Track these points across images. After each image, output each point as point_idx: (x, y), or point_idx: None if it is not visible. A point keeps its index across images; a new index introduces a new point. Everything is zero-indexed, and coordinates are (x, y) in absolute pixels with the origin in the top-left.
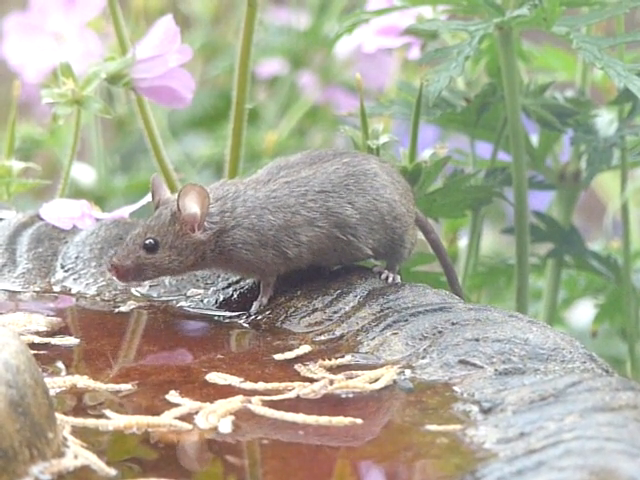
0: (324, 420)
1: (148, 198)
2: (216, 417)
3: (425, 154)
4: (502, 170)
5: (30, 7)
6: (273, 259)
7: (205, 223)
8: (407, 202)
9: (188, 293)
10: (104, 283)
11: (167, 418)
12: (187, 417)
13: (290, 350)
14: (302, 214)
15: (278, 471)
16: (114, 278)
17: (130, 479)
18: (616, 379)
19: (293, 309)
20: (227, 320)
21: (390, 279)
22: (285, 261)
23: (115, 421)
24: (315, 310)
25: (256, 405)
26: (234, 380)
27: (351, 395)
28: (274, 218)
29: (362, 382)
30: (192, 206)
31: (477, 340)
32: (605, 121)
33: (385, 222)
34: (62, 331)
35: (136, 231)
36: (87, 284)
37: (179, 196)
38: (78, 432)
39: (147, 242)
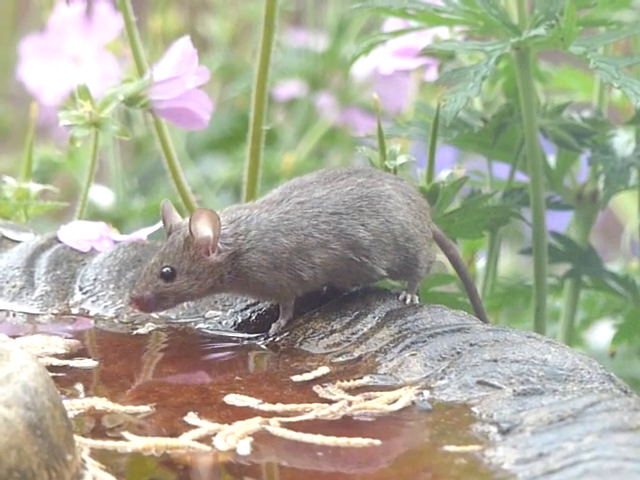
0: (342, 441)
1: None
2: (235, 439)
3: (442, 175)
4: (520, 190)
5: (48, 30)
6: (288, 282)
7: (219, 245)
8: (421, 222)
9: (206, 315)
10: (122, 305)
11: (186, 440)
12: (206, 439)
13: (308, 372)
14: (315, 236)
15: None
16: (136, 311)
17: None
18: (635, 399)
19: (311, 330)
20: (245, 342)
21: (408, 300)
22: (301, 284)
23: (134, 443)
24: (333, 331)
25: (274, 427)
26: (252, 402)
27: (369, 416)
28: (287, 241)
29: (381, 403)
30: (204, 229)
31: (495, 361)
32: (623, 141)
33: (398, 243)
34: (80, 353)
35: (152, 261)
36: (105, 306)
37: (191, 221)
38: (97, 454)
39: (164, 270)
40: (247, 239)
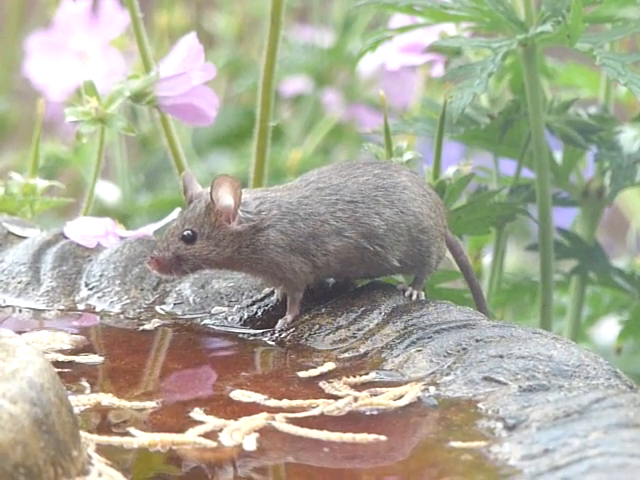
0: (348, 437)
1: (172, 216)
2: (240, 434)
3: (449, 171)
4: (526, 187)
5: (54, 26)
6: (301, 266)
7: (242, 214)
8: (436, 215)
9: (212, 311)
10: (128, 301)
11: (191, 436)
12: (211, 434)
13: (314, 367)
14: (331, 224)
15: None
16: (155, 272)
17: None
18: None
19: (317, 326)
20: (251, 338)
21: (414, 296)
22: (314, 269)
23: (139, 439)
24: (339, 327)
25: (280, 422)
26: (258, 397)
27: (375, 412)
28: (304, 225)
29: (386, 399)
30: (226, 197)
31: (501, 357)
32: (629, 137)
33: (412, 234)
34: (86, 349)
35: (173, 224)
36: (111, 302)
37: (212, 187)
38: (103, 450)
39: (185, 233)
40: (269, 216)
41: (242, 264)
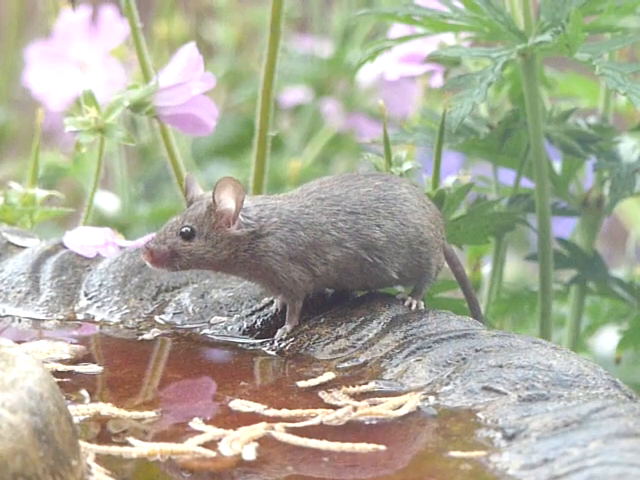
0: (347, 447)
1: None
2: (240, 444)
3: (448, 181)
4: (525, 197)
5: (53, 35)
6: (300, 275)
7: (242, 219)
8: (436, 227)
9: (212, 320)
10: (128, 311)
11: (191, 445)
12: (211, 444)
13: (314, 377)
14: (332, 234)
15: None
16: (147, 263)
17: None
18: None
19: (317, 336)
20: (251, 347)
21: (414, 306)
22: (313, 278)
23: (139, 448)
24: (339, 337)
25: (280, 432)
26: (258, 407)
27: (375, 422)
28: (305, 235)
29: (386, 409)
30: (228, 200)
31: (501, 367)
32: (628, 147)
33: (412, 246)
34: (86, 359)
35: (173, 220)
36: (111, 312)
37: (215, 189)
38: (102, 460)
39: (184, 230)
40: (269, 223)
41: (239, 268)
